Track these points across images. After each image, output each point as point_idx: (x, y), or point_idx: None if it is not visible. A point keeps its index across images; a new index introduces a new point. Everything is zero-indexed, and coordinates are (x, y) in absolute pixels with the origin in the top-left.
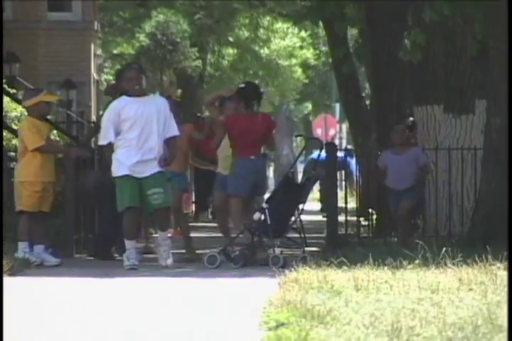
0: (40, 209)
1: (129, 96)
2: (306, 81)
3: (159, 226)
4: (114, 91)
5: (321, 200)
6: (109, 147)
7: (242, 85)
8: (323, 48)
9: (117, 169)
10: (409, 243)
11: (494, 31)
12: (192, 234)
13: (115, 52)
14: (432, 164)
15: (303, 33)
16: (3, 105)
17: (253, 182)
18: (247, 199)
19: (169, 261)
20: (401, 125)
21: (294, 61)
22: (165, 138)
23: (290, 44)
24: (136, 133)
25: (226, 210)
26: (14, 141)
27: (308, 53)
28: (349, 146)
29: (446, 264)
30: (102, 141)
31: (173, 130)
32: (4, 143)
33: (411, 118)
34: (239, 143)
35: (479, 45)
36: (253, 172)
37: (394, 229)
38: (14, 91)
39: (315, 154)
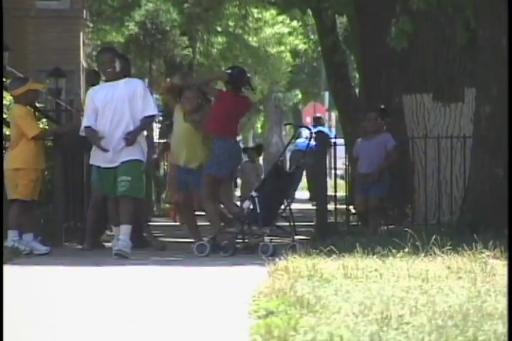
0: (32, 197)
1: (105, 81)
2: (295, 62)
3: (120, 218)
4: (93, 78)
5: (309, 189)
6: (88, 131)
7: (229, 71)
8: (313, 36)
9: (94, 158)
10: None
11: (483, 20)
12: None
13: (104, 40)
14: (421, 152)
15: (293, 23)
16: None
17: (231, 166)
18: (224, 182)
19: (122, 249)
20: (373, 113)
21: (282, 48)
22: (141, 118)
23: (278, 31)
24: (107, 118)
25: (191, 208)
26: (4, 130)
27: (297, 40)
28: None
29: (435, 252)
30: (81, 127)
31: (150, 109)
32: None
33: (382, 106)
34: (224, 124)
35: (469, 33)
36: (235, 155)
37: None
38: (4, 79)
39: (299, 143)
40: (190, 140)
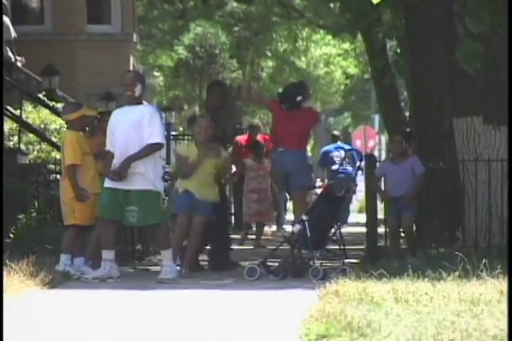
0: (90, 222)
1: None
2: (345, 82)
3: (158, 244)
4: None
5: None
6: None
7: (280, 90)
8: (362, 59)
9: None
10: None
11: None
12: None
13: (154, 64)
14: (471, 175)
15: (344, 45)
16: (44, 117)
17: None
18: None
19: (164, 276)
20: (398, 135)
21: (332, 68)
22: (145, 145)
23: (327, 52)
24: (117, 142)
25: (188, 231)
26: (54, 154)
27: (347, 62)
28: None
29: (486, 276)
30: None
31: (154, 136)
32: (43, 155)
33: (408, 129)
34: (284, 136)
35: None
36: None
37: (433, 241)
38: (54, 103)
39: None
40: (206, 173)
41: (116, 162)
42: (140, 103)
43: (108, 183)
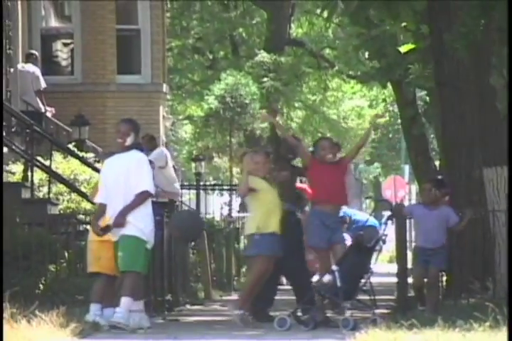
0: (116, 272)
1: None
2: (376, 134)
3: (121, 290)
4: (147, 143)
5: None
6: (98, 206)
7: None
8: (391, 108)
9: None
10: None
11: None
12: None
13: (184, 114)
14: (501, 225)
15: (373, 93)
16: (73, 168)
17: (325, 234)
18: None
19: (114, 320)
20: (428, 183)
21: (362, 121)
22: (135, 194)
23: (359, 104)
24: (108, 191)
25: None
26: (83, 204)
27: (376, 111)
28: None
29: None
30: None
31: (142, 185)
32: (74, 205)
33: (439, 177)
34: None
35: None
36: (323, 223)
37: (463, 291)
38: (83, 154)
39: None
40: (276, 205)
41: (110, 213)
42: (129, 150)
43: (113, 237)
